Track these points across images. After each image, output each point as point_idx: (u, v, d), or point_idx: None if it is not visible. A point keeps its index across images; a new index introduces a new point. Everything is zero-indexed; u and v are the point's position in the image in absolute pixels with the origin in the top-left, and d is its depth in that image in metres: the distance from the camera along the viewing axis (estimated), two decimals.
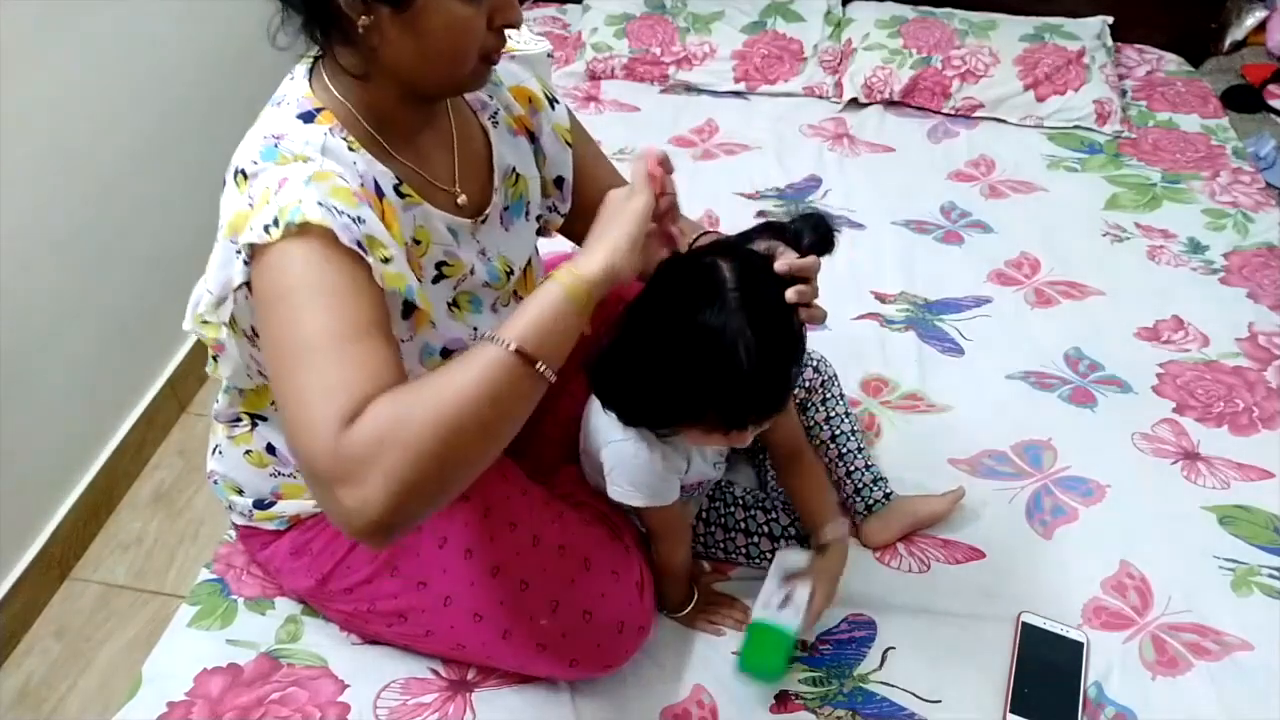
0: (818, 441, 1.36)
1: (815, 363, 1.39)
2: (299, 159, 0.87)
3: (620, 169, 1.24)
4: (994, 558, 1.33)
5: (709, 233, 1.16)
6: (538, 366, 0.80)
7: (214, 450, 1.18)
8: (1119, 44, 2.49)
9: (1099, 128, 2.23)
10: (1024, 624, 1.23)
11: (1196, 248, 1.90)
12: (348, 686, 1.17)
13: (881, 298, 1.77)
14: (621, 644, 1.13)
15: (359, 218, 0.84)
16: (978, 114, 2.28)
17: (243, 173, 0.88)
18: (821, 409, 1.37)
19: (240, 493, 1.16)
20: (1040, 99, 2.25)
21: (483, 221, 1.06)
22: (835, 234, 1.00)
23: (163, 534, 1.81)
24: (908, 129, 2.26)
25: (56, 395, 1.71)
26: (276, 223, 0.81)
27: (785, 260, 0.96)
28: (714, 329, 0.92)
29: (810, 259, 0.97)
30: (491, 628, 1.11)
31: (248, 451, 1.12)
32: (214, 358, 1.00)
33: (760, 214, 1.97)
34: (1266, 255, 1.87)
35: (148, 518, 1.84)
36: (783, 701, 1.17)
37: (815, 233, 0.99)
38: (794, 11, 2.44)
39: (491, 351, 0.79)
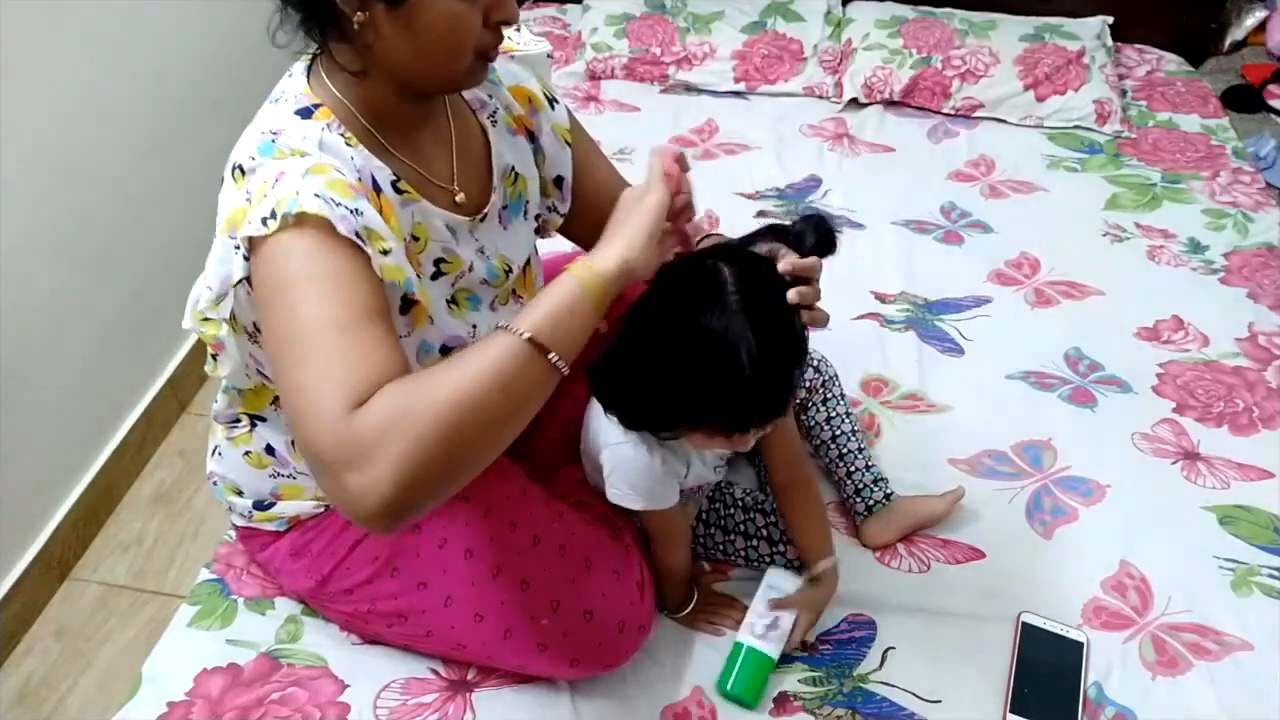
0: (818, 441, 1.36)
1: (816, 363, 1.39)
2: (296, 153, 0.87)
3: (620, 169, 1.24)
4: (994, 558, 1.33)
5: (711, 235, 1.16)
6: (550, 357, 0.80)
7: (213, 451, 1.18)
8: (1119, 44, 2.49)
9: (1099, 128, 2.23)
10: (1024, 624, 1.23)
11: (1196, 248, 1.90)
12: (348, 686, 1.17)
13: (881, 298, 1.77)
14: (622, 643, 1.13)
15: (356, 209, 0.84)
16: (978, 114, 2.28)
17: (240, 168, 0.88)
18: (822, 409, 1.37)
19: (240, 494, 1.16)
20: (1040, 99, 2.25)
21: (482, 220, 1.06)
22: (837, 235, 1.00)
23: (163, 534, 1.81)
24: (908, 129, 2.26)
25: (56, 395, 1.71)
26: (274, 215, 0.81)
27: (787, 261, 0.96)
28: (716, 332, 0.91)
29: (812, 260, 0.97)
30: (492, 628, 1.11)
31: (247, 453, 1.12)
32: (213, 357, 1.00)
33: (760, 214, 1.97)
34: (1266, 255, 1.87)
35: (148, 518, 1.84)
36: (782, 702, 1.17)
37: (817, 234, 0.99)
38: (794, 11, 2.44)
39: (504, 340, 0.79)
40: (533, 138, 1.13)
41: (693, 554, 1.28)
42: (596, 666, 1.14)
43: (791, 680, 1.19)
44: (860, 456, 1.35)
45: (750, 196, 2.03)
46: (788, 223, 1.03)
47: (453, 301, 1.03)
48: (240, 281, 0.86)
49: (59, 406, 1.71)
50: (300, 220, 0.81)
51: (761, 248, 0.99)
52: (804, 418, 1.37)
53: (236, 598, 1.27)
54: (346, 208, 0.83)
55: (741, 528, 1.29)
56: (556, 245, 1.28)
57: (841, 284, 1.72)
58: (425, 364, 0.99)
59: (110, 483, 1.84)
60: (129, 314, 1.86)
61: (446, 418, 0.74)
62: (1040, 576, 1.31)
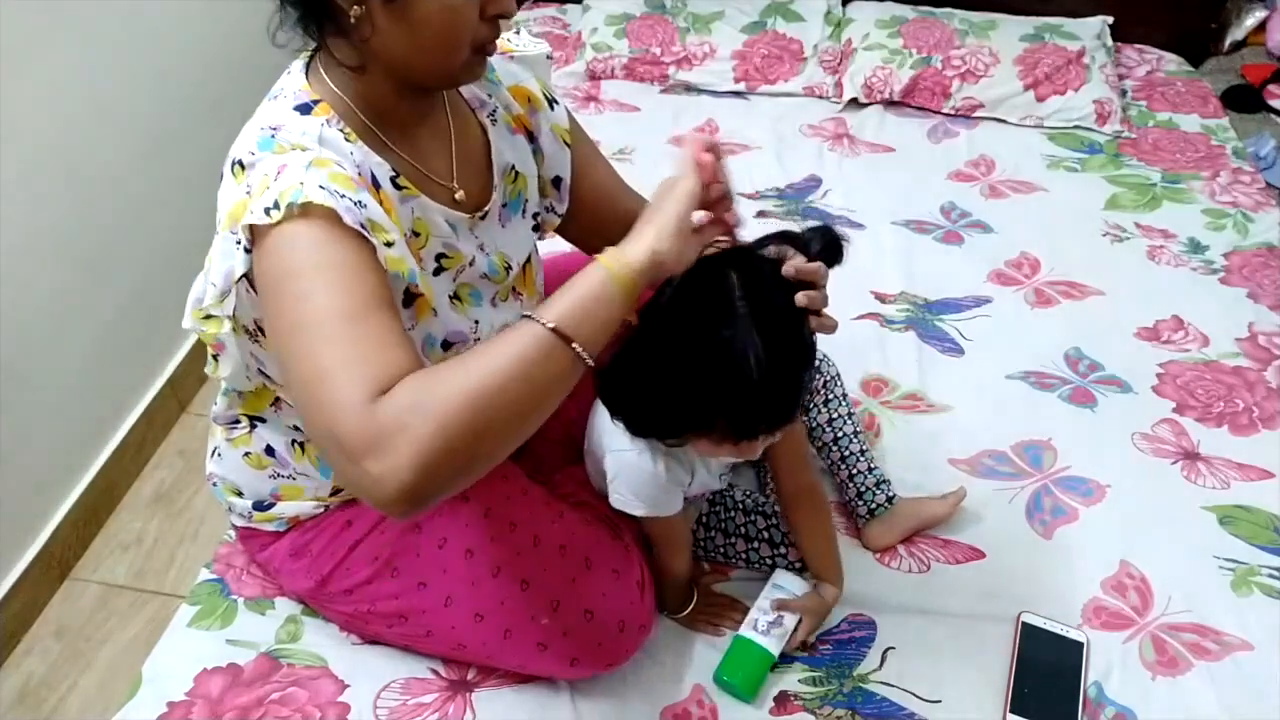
0: (820, 443, 1.36)
1: (817, 362, 1.38)
2: (296, 148, 0.87)
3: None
4: (994, 558, 1.33)
5: (718, 240, 1.14)
6: (574, 347, 0.79)
7: (213, 452, 1.18)
8: (1119, 44, 2.49)
9: (1099, 128, 2.23)
10: (1024, 624, 1.23)
11: (1196, 248, 1.90)
12: (348, 686, 1.17)
13: (881, 298, 1.77)
14: (622, 643, 1.13)
15: (360, 201, 0.85)
16: (978, 114, 2.28)
17: (240, 163, 0.88)
18: (824, 410, 1.36)
19: (239, 494, 1.16)
20: (1040, 99, 2.25)
21: (482, 218, 1.06)
22: (845, 244, 0.99)
23: (163, 534, 1.81)
24: (908, 129, 2.26)
25: (56, 395, 1.71)
26: (277, 205, 0.81)
27: (792, 264, 0.95)
28: (723, 337, 0.90)
29: (816, 264, 0.96)
30: (492, 627, 1.11)
31: (246, 454, 1.12)
32: (214, 357, 1.00)
33: (760, 214, 1.97)
34: (1266, 255, 1.87)
35: (148, 518, 1.84)
36: (782, 702, 1.17)
37: (824, 240, 0.98)
38: (794, 11, 2.44)
39: (528, 328, 0.79)
40: (532, 137, 1.13)
41: (693, 556, 1.27)
42: (597, 666, 1.14)
43: (791, 680, 1.19)
44: (862, 459, 1.35)
45: (750, 196, 2.03)
46: (796, 229, 1.02)
47: (455, 297, 1.04)
48: (242, 278, 0.86)
49: (59, 406, 1.71)
50: (306, 210, 0.81)
51: (769, 251, 0.99)
52: (805, 418, 1.37)
53: (236, 598, 1.27)
54: (350, 199, 0.84)
55: (743, 531, 1.28)
56: (556, 245, 1.28)
57: (841, 284, 1.70)
58: (430, 358, 0.99)
59: (110, 483, 1.84)
60: (129, 314, 1.86)
61: (469, 405, 0.74)
62: (1040, 576, 1.31)
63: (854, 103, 2.33)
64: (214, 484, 1.19)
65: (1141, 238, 1.93)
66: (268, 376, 1.03)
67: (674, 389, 0.95)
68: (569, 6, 2.70)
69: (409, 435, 0.73)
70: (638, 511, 1.12)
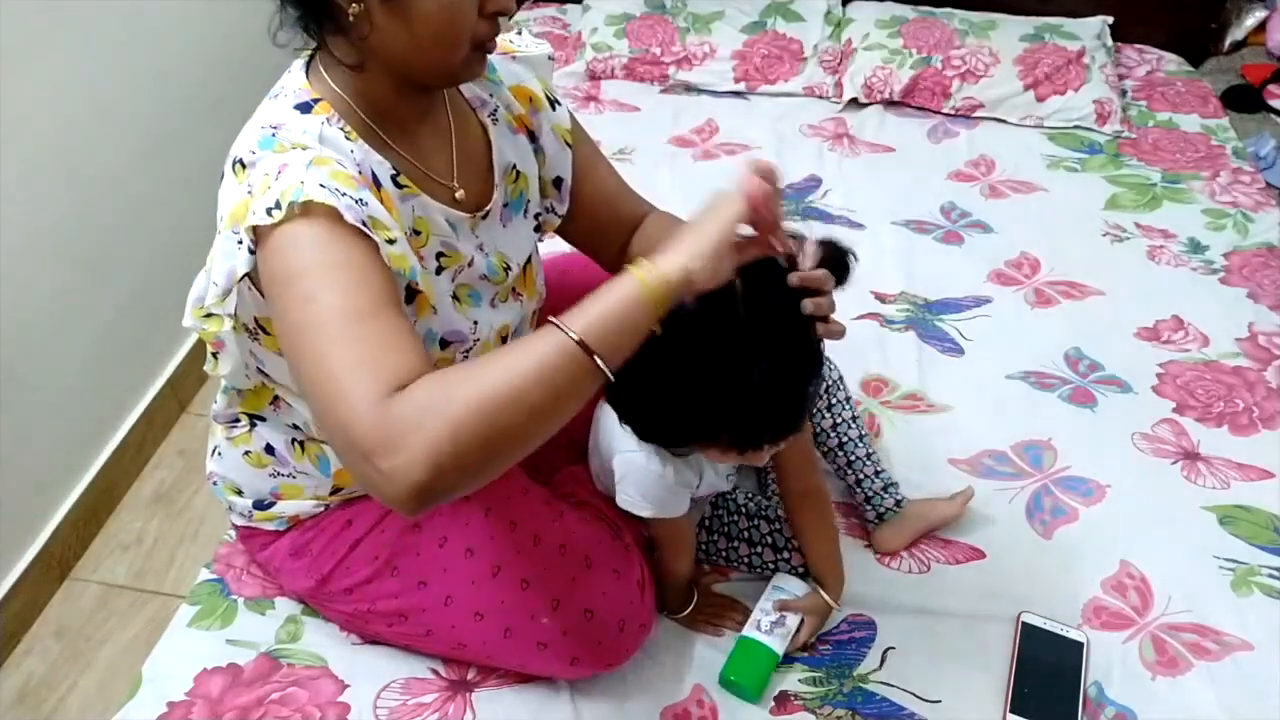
0: (825, 448, 1.35)
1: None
2: (297, 147, 0.87)
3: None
4: (994, 558, 1.33)
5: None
6: (596, 360, 0.78)
7: (213, 451, 1.18)
8: (1119, 44, 2.49)
9: (1099, 128, 2.23)
10: (1024, 624, 1.23)
11: (1196, 248, 1.90)
12: (348, 686, 1.17)
13: (881, 298, 1.77)
14: (622, 642, 1.13)
15: (361, 199, 0.85)
16: (978, 114, 2.28)
17: (241, 162, 0.88)
18: (828, 415, 1.35)
19: (240, 493, 1.16)
20: (1040, 99, 2.25)
21: (483, 217, 1.06)
22: (851, 260, 0.97)
23: (163, 534, 1.81)
24: (908, 129, 2.26)
25: (56, 395, 1.71)
26: (279, 205, 0.81)
27: (797, 274, 0.93)
28: (728, 349, 0.89)
29: (821, 271, 0.94)
30: (492, 627, 1.11)
31: (246, 452, 1.12)
32: (213, 355, 1.00)
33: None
34: (1266, 255, 1.87)
35: (148, 518, 1.84)
36: (783, 702, 1.17)
37: (830, 251, 0.97)
38: (794, 11, 2.44)
39: (553, 337, 0.78)
40: (533, 137, 1.13)
41: (695, 558, 1.27)
42: (597, 665, 1.14)
43: (792, 680, 1.19)
44: (869, 463, 1.34)
45: None
46: (804, 234, 1.01)
47: (454, 297, 1.04)
48: (244, 277, 0.86)
49: (59, 406, 1.71)
50: (307, 209, 0.81)
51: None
52: (809, 422, 1.36)
53: (236, 598, 1.27)
54: (352, 197, 0.84)
55: (745, 534, 1.28)
56: (557, 245, 1.28)
57: None
58: (428, 355, 0.99)
59: (110, 483, 1.84)
60: (129, 314, 1.86)
61: (485, 408, 0.74)
62: (1040, 576, 1.31)
63: (854, 103, 2.33)
64: (214, 483, 1.19)
65: (1141, 238, 1.93)
66: (266, 375, 1.03)
67: (679, 401, 0.94)
68: (569, 6, 2.70)
69: (423, 434, 0.73)
70: (645, 513, 1.12)
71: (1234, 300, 1.77)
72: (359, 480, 0.78)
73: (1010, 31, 2.34)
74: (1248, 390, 1.59)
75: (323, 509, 1.15)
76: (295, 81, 0.94)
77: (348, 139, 0.91)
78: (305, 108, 0.92)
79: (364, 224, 0.83)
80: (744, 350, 0.89)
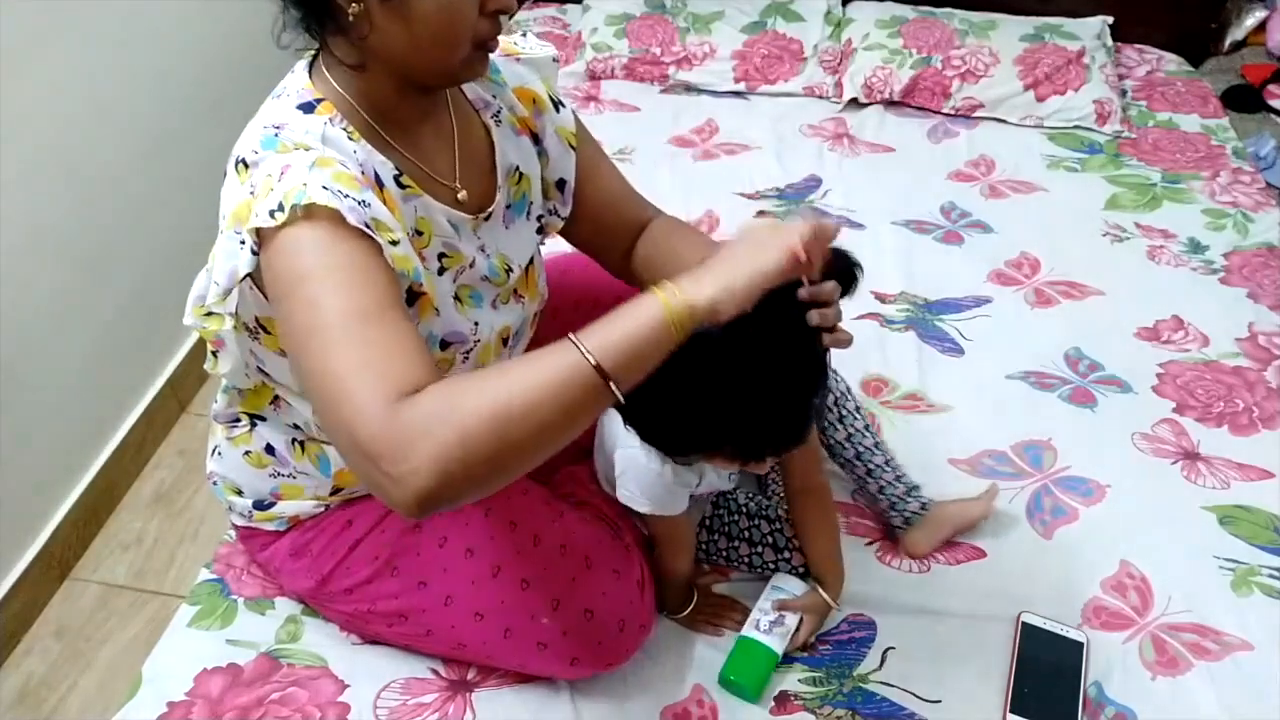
0: (842, 460, 1.35)
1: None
2: (300, 147, 0.87)
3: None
4: (994, 558, 1.33)
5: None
6: (611, 386, 0.78)
7: (213, 451, 1.18)
8: (1119, 44, 2.49)
9: (1099, 128, 2.23)
10: (1024, 624, 1.23)
11: (1196, 248, 1.90)
12: (348, 686, 1.17)
13: (881, 298, 1.77)
14: (623, 642, 1.13)
15: (363, 201, 0.85)
16: (978, 114, 2.28)
17: (243, 162, 0.88)
18: (841, 427, 1.34)
19: (240, 493, 1.16)
20: (1040, 99, 2.25)
21: (486, 219, 1.06)
22: (858, 271, 0.97)
23: (163, 534, 1.81)
24: (908, 129, 2.26)
25: (56, 395, 1.71)
26: (281, 207, 0.81)
27: (805, 289, 0.91)
28: (734, 364, 0.88)
29: (829, 284, 0.92)
30: (492, 627, 1.11)
31: (247, 452, 1.12)
32: (213, 354, 1.00)
33: (760, 214, 1.97)
34: (1266, 255, 1.87)
35: (148, 518, 1.84)
36: (783, 702, 1.17)
37: (836, 261, 0.95)
38: (794, 11, 2.44)
39: (569, 356, 0.77)
40: (536, 139, 1.13)
41: (695, 558, 1.27)
42: (597, 666, 1.14)
43: (792, 680, 1.19)
44: (889, 469, 1.34)
45: (750, 196, 2.03)
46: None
47: (456, 298, 1.03)
48: (245, 277, 0.86)
49: (59, 406, 1.71)
50: (310, 212, 0.81)
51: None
52: (823, 437, 1.35)
53: (236, 598, 1.27)
54: (354, 199, 0.84)
55: (745, 534, 1.28)
56: (558, 246, 1.28)
57: None
58: None
59: (110, 483, 1.84)
60: (129, 314, 1.86)
61: (495, 420, 0.74)
62: (1040, 576, 1.31)
63: (854, 103, 2.33)
64: (214, 483, 1.19)
65: (1141, 238, 1.93)
66: (267, 374, 1.03)
67: (682, 413, 0.93)
68: (569, 6, 2.70)
69: (432, 441, 0.73)
70: (643, 509, 1.13)
71: (1234, 300, 1.77)
72: (364, 481, 0.79)
73: (1010, 31, 2.34)
74: (1248, 390, 1.59)
75: (323, 509, 1.15)
76: (298, 82, 0.94)
77: (350, 139, 0.91)
78: (308, 108, 0.92)
79: (367, 226, 0.83)
80: (749, 364, 0.88)
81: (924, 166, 2.14)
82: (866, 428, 1.35)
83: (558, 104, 1.14)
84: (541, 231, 1.18)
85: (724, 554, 1.29)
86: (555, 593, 1.10)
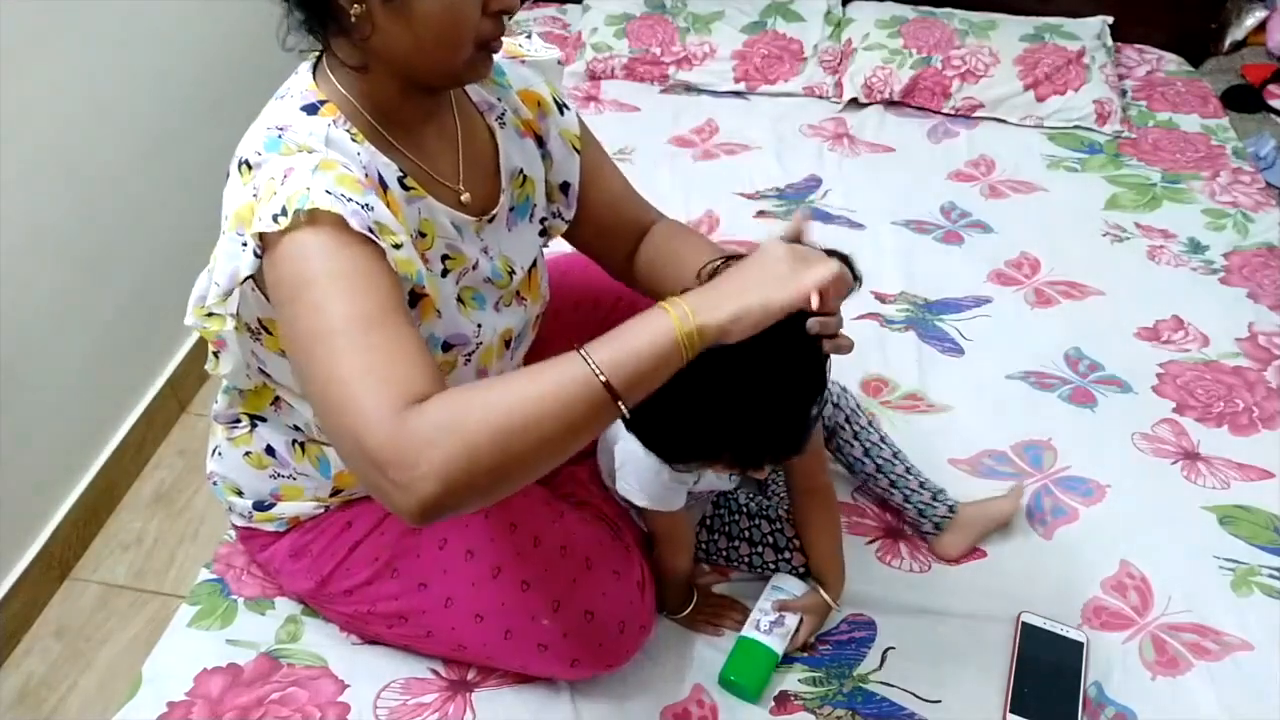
0: (864, 475, 1.35)
1: (835, 398, 1.35)
2: (303, 150, 0.87)
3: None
4: (994, 558, 1.33)
5: (733, 256, 1.11)
6: (619, 404, 0.78)
7: (213, 451, 1.18)
8: (1119, 44, 2.49)
9: (1099, 128, 2.23)
10: (1024, 624, 1.23)
11: (1196, 248, 1.90)
12: (348, 686, 1.17)
13: (881, 298, 1.77)
14: (623, 643, 1.13)
15: (367, 204, 0.84)
16: (978, 114, 2.28)
17: (246, 163, 0.88)
18: (856, 444, 1.34)
19: (240, 494, 1.16)
20: (1040, 99, 2.25)
21: (489, 221, 1.06)
22: (857, 282, 0.96)
23: (163, 534, 1.81)
24: (908, 129, 2.26)
25: (57, 395, 1.71)
26: (285, 211, 0.81)
27: (813, 320, 0.89)
28: (732, 373, 0.87)
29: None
30: (493, 628, 1.11)
31: (247, 453, 1.12)
32: (214, 354, 1.00)
33: (760, 214, 1.97)
34: (1266, 255, 1.87)
35: (148, 518, 1.84)
36: (782, 702, 1.17)
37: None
38: (794, 11, 2.44)
39: (576, 368, 0.77)
40: (541, 142, 1.12)
41: (695, 558, 1.27)
42: (597, 667, 1.14)
43: (792, 680, 1.19)
44: (911, 477, 1.34)
45: (750, 196, 2.03)
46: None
47: (458, 300, 1.03)
48: (247, 279, 0.86)
49: (59, 406, 1.71)
50: (313, 217, 0.81)
51: None
52: (841, 455, 1.36)
53: (236, 598, 1.27)
54: (357, 203, 0.83)
55: (746, 534, 1.28)
56: (559, 246, 1.28)
57: None
58: None
59: (110, 483, 1.84)
60: (129, 314, 1.86)
61: (502, 431, 0.74)
62: (1040, 576, 1.31)
63: (854, 103, 2.33)
64: (214, 483, 1.19)
65: (1141, 238, 1.93)
66: (268, 375, 1.03)
67: (681, 423, 0.92)
68: (569, 6, 2.70)
69: (438, 451, 0.73)
70: (641, 502, 1.13)
71: (1234, 300, 1.77)
72: (367, 487, 0.79)
73: (1010, 31, 2.34)
74: (1248, 390, 1.59)
75: (322, 511, 1.15)
76: (302, 83, 0.94)
77: (354, 141, 0.91)
78: (311, 109, 0.91)
79: (370, 230, 0.83)
80: (749, 374, 0.88)
81: (924, 166, 2.14)
82: (883, 439, 1.35)
83: (562, 106, 1.14)
84: (545, 234, 1.18)
85: (724, 554, 1.29)
86: (556, 594, 1.10)
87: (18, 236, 1.57)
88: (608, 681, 1.17)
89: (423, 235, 0.97)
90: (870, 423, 1.36)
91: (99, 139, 1.74)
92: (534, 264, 1.15)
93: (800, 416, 0.94)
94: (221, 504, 1.20)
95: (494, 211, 1.06)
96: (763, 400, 0.89)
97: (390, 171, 0.93)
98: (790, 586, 1.23)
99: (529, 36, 1.17)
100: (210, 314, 0.92)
